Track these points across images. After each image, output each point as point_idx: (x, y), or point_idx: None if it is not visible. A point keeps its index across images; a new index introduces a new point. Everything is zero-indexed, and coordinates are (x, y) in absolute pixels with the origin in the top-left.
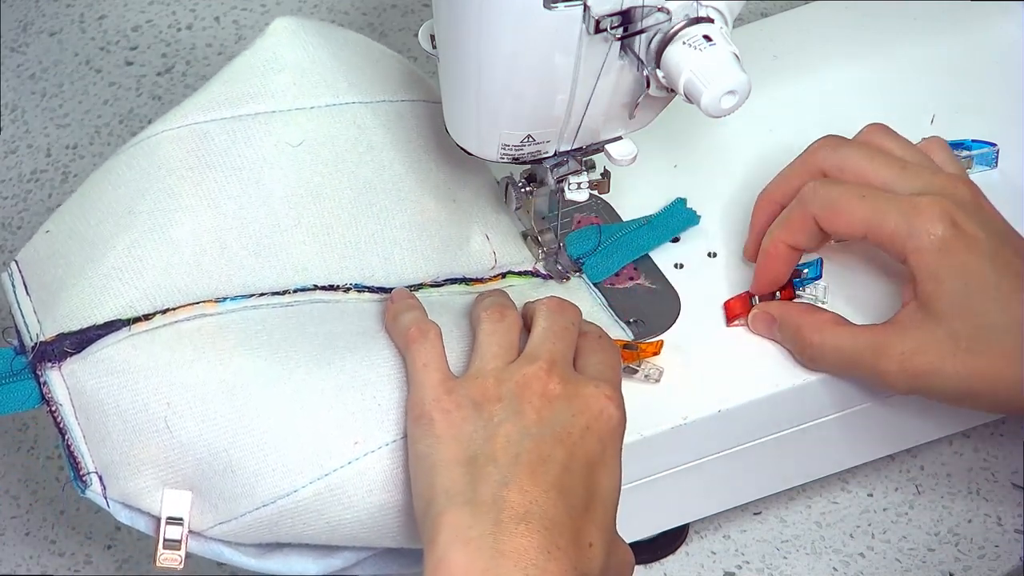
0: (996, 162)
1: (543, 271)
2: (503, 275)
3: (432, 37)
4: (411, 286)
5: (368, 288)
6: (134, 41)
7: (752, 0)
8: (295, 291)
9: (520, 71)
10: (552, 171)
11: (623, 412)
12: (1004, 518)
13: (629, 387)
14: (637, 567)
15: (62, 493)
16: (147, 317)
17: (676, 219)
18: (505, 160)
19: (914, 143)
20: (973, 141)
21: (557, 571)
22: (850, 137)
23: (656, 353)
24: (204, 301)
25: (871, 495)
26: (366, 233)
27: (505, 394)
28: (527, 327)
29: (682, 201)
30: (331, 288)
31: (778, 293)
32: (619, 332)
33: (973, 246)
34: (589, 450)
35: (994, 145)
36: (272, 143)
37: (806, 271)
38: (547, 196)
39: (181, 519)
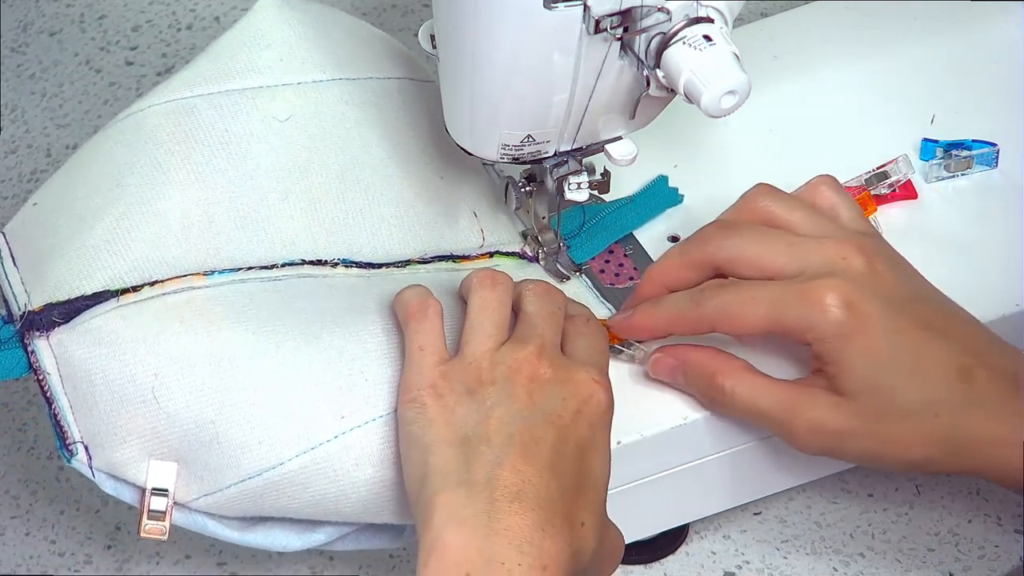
0: (996, 162)
1: (530, 253)
2: (491, 255)
3: (432, 37)
4: (399, 262)
5: (356, 263)
6: (134, 41)
7: (752, 0)
8: (283, 265)
9: (520, 71)
10: (552, 171)
11: (611, 396)
12: (1004, 518)
13: (629, 387)
14: (637, 567)
15: (62, 493)
16: (135, 289)
17: (658, 197)
18: (505, 160)
19: (800, 199)
20: (973, 141)
21: (552, 548)
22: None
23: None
24: (192, 274)
25: (871, 495)
26: (353, 209)
27: (498, 378)
28: (514, 310)
29: (664, 179)
30: (319, 263)
31: None
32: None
33: (869, 327)
34: (580, 433)
35: (994, 145)
36: (259, 118)
37: None
38: (547, 196)
39: (166, 490)
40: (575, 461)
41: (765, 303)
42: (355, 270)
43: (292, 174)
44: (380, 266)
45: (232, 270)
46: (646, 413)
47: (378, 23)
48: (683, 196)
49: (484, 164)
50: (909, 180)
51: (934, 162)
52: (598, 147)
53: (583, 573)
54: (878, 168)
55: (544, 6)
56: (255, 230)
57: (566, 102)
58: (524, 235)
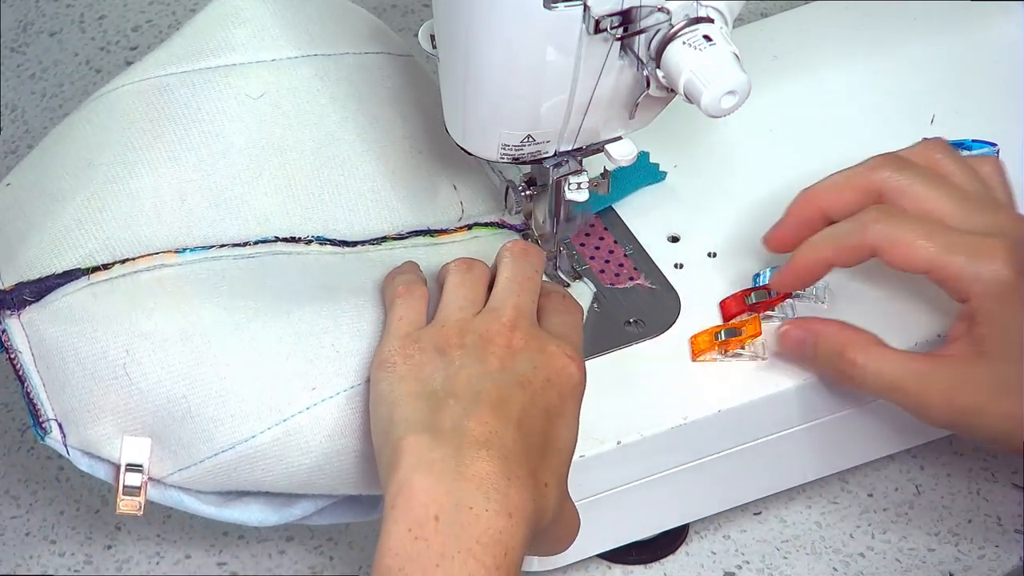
0: None
1: (509, 222)
2: (469, 227)
3: (432, 37)
4: (375, 239)
5: (330, 241)
6: (134, 41)
7: (752, 0)
8: (256, 243)
9: (520, 71)
10: (552, 171)
11: (583, 373)
12: (1004, 518)
13: (629, 387)
14: (637, 567)
15: (62, 493)
16: (106, 267)
17: (639, 172)
18: (505, 160)
19: (970, 165)
20: (973, 141)
21: (517, 498)
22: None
23: (758, 333)
24: (164, 252)
25: (871, 495)
26: (329, 185)
27: (468, 343)
28: (493, 276)
29: (645, 154)
30: (293, 240)
31: (771, 293)
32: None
33: None
34: (549, 400)
35: (994, 145)
36: (233, 96)
37: None
38: (547, 200)
39: (141, 466)
40: (543, 423)
41: (937, 242)
42: (329, 248)
43: (266, 151)
44: (355, 244)
45: (204, 248)
46: (646, 413)
47: None
48: (666, 173)
49: (489, 164)
50: None
51: None
52: (598, 147)
53: (543, 534)
54: None
55: (544, 6)
56: (228, 208)
57: (566, 102)
58: (525, 237)
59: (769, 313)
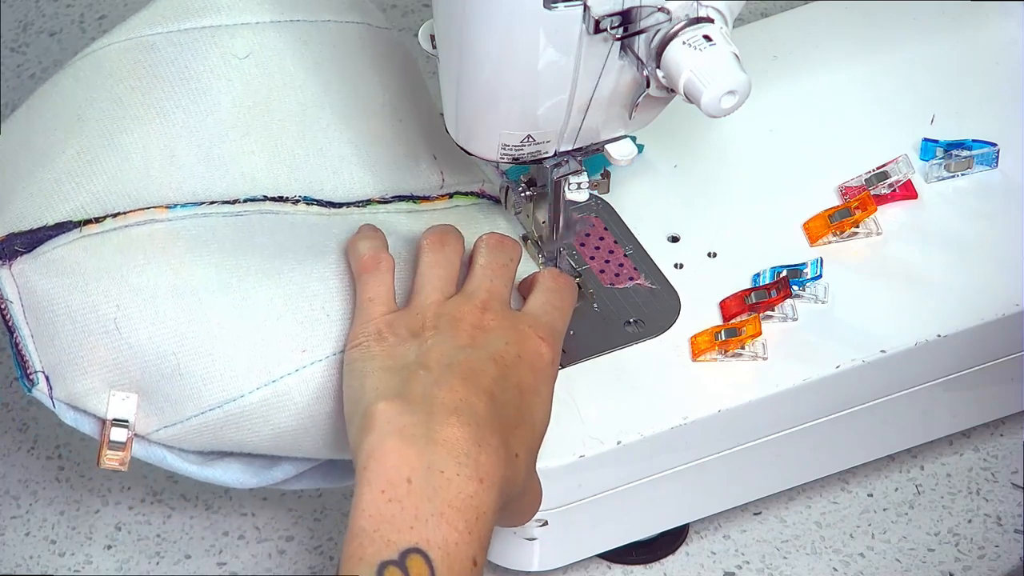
0: (996, 162)
1: (489, 192)
2: (450, 195)
3: (432, 37)
4: (359, 201)
5: (317, 201)
6: None
7: (752, 0)
8: (245, 201)
9: (520, 71)
10: (552, 171)
11: (556, 354)
12: (1004, 518)
13: (629, 387)
14: (637, 567)
15: (62, 493)
16: (98, 220)
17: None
18: (505, 160)
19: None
20: (973, 141)
21: (488, 464)
22: None
23: (758, 333)
24: (155, 207)
25: (871, 495)
26: (314, 148)
27: (441, 324)
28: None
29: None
30: (280, 199)
31: (772, 293)
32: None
33: None
34: (521, 376)
35: (994, 145)
36: (219, 55)
37: (806, 271)
38: (546, 201)
39: (126, 421)
40: (515, 397)
41: None
42: (316, 208)
43: (253, 111)
44: (340, 205)
45: (194, 204)
46: (646, 413)
47: None
48: (643, 146)
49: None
50: (909, 180)
51: (934, 162)
52: (598, 147)
53: (509, 505)
54: (878, 168)
55: (544, 6)
56: (217, 165)
57: (566, 102)
58: (524, 239)
59: (769, 313)
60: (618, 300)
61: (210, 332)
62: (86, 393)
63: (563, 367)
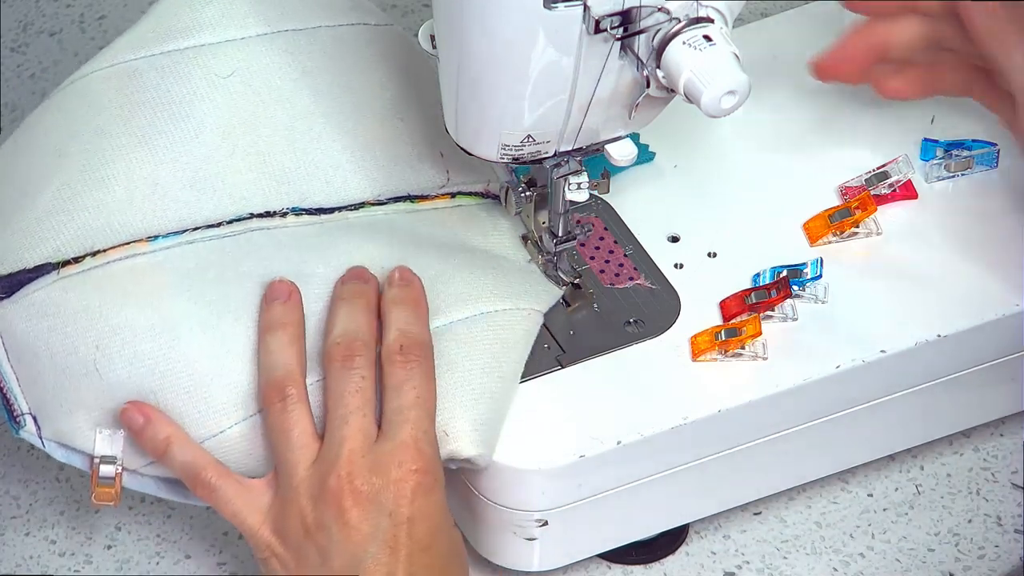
0: (996, 162)
1: (494, 192)
2: (453, 195)
3: (432, 37)
4: (353, 204)
5: (305, 210)
6: None
7: (752, 0)
8: (231, 222)
9: (520, 71)
10: (552, 171)
11: (435, 467)
12: (1004, 518)
13: (629, 388)
14: (637, 567)
15: (62, 493)
16: (77, 260)
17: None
18: (505, 160)
19: None
20: (973, 141)
21: None
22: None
23: (758, 333)
24: (136, 241)
25: (871, 495)
26: (305, 159)
27: (325, 520)
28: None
29: (635, 136)
30: (267, 215)
31: (772, 293)
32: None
33: None
34: (419, 536)
35: (994, 145)
36: (202, 76)
37: (806, 271)
38: (547, 201)
39: (114, 457)
40: (426, 558)
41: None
42: (306, 217)
43: (238, 129)
44: (332, 210)
45: (177, 233)
46: (646, 413)
47: None
48: (655, 153)
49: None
50: (909, 180)
51: (934, 162)
52: (598, 147)
53: None
54: (878, 168)
55: (544, 6)
56: (203, 188)
57: (566, 102)
58: (524, 239)
59: (769, 313)
60: (618, 300)
61: (188, 370)
62: (73, 432)
63: (563, 367)
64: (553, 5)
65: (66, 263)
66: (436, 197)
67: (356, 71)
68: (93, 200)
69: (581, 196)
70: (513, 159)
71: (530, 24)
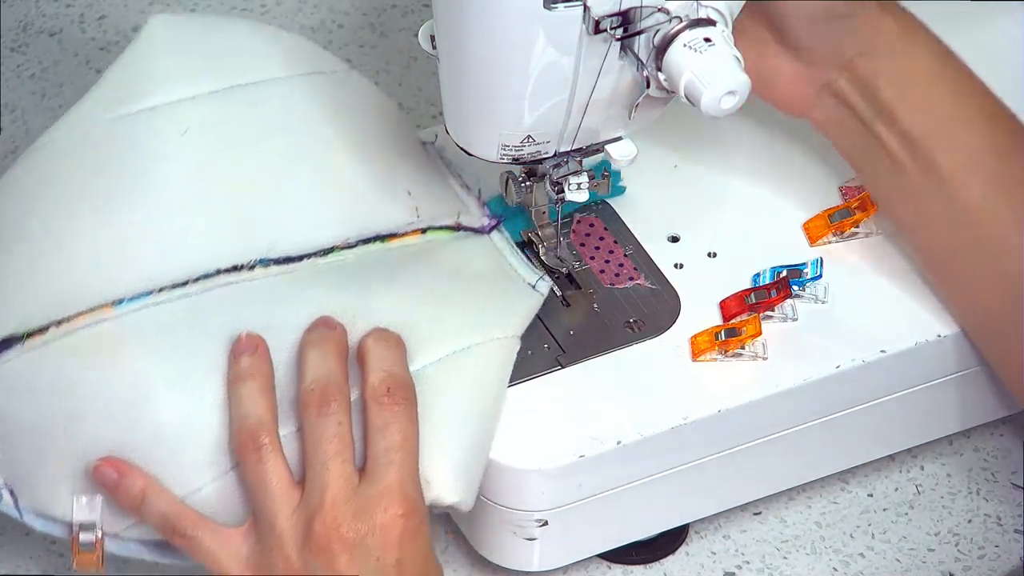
0: None
1: (466, 224)
2: (423, 231)
3: (432, 37)
4: (322, 250)
5: (274, 260)
6: None
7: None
8: (197, 279)
9: (520, 71)
10: (552, 171)
11: (420, 509)
12: (1004, 518)
13: (629, 388)
14: (637, 567)
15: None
16: (42, 330)
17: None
18: (505, 160)
19: None
20: None
21: None
22: None
23: (758, 333)
24: (101, 307)
25: (871, 495)
26: (270, 209)
27: (313, 569)
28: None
29: (606, 164)
30: (235, 269)
31: (772, 293)
32: (526, 288)
33: None
34: (409, 571)
35: None
36: (157, 136)
37: (806, 271)
38: (545, 190)
39: (93, 523)
40: None
41: None
42: (274, 268)
43: (198, 185)
44: (301, 258)
45: (143, 295)
46: (646, 413)
47: (378, 23)
48: (624, 187)
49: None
50: None
51: None
52: (598, 147)
53: None
54: None
55: (544, 6)
56: (167, 247)
57: (566, 102)
58: (521, 245)
59: (769, 313)
60: (618, 300)
61: (159, 431)
62: (51, 502)
63: (563, 367)
64: (553, 5)
65: (31, 334)
66: (407, 234)
67: (315, 118)
68: (55, 269)
69: (581, 196)
70: (513, 159)
71: (530, 24)
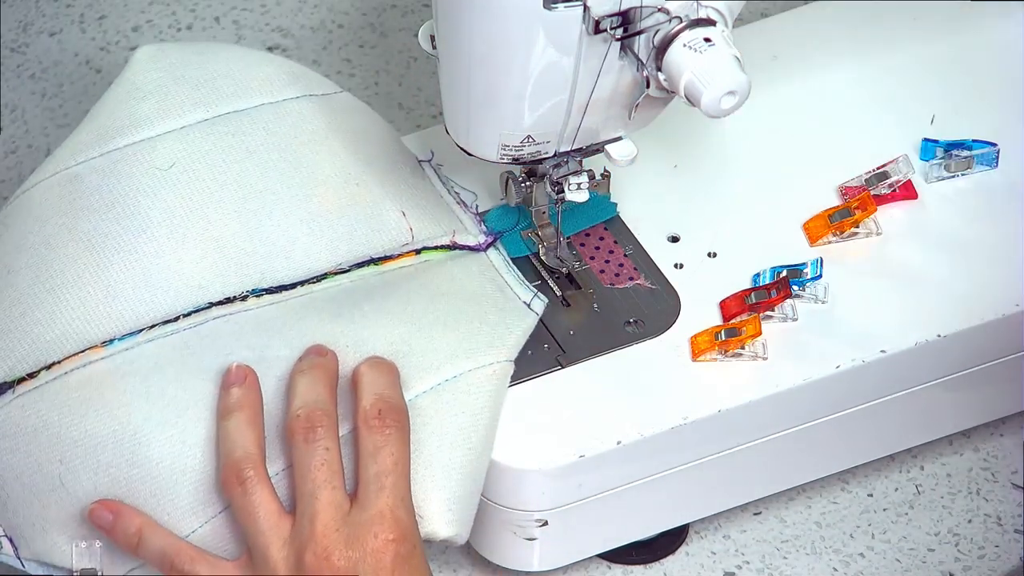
0: (996, 162)
1: (461, 243)
2: (418, 251)
3: (432, 37)
4: (315, 277)
5: (265, 290)
6: (134, 41)
7: (752, 0)
8: (189, 314)
9: (520, 71)
10: (552, 171)
11: (412, 533)
12: (1004, 518)
13: (628, 388)
14: (637, 567)
15: None
16: (32, 375)
17: (593, 207)
18: (505, 160)
19: None
20: (973, 141)
21: None
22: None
23: (758, 333)
24: (90, 348)
25: (871, 495)
26: (261, 238)
27: None
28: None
29: (605, 197)
30: (226, 301)
31: (772, 293)
32: (520, 307)
33: None
34: None
35: (994, 145)
36: (142, 171)
37: (806, 271)
38: (546, 191)
39: (94, 570)
40: None
41: None
42: (267, 297)
43: (186, 218)
44: (293, 286)
45: (133, 333)
46: (646, 413)
47: (378, 23)
48: (616, 205)
49: (443, 183)
50: (909, 180)
51: (934, 162)
52: (598, 147)
53: None
54: (878, 168)
55: (544, 6)
56: (156, 284)
57: (566, 102)
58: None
59: (769, 313)
60: (618, 300)
61: (153, 474)
62: (49, 550)
63: (563, 367)
64: (553, 5)
65: (21, 380)
66: (401, 256)
67: (304, 143)
68: (45, 313)
69: (581, 196)
70: (513, 159)
71: (530, 24)
